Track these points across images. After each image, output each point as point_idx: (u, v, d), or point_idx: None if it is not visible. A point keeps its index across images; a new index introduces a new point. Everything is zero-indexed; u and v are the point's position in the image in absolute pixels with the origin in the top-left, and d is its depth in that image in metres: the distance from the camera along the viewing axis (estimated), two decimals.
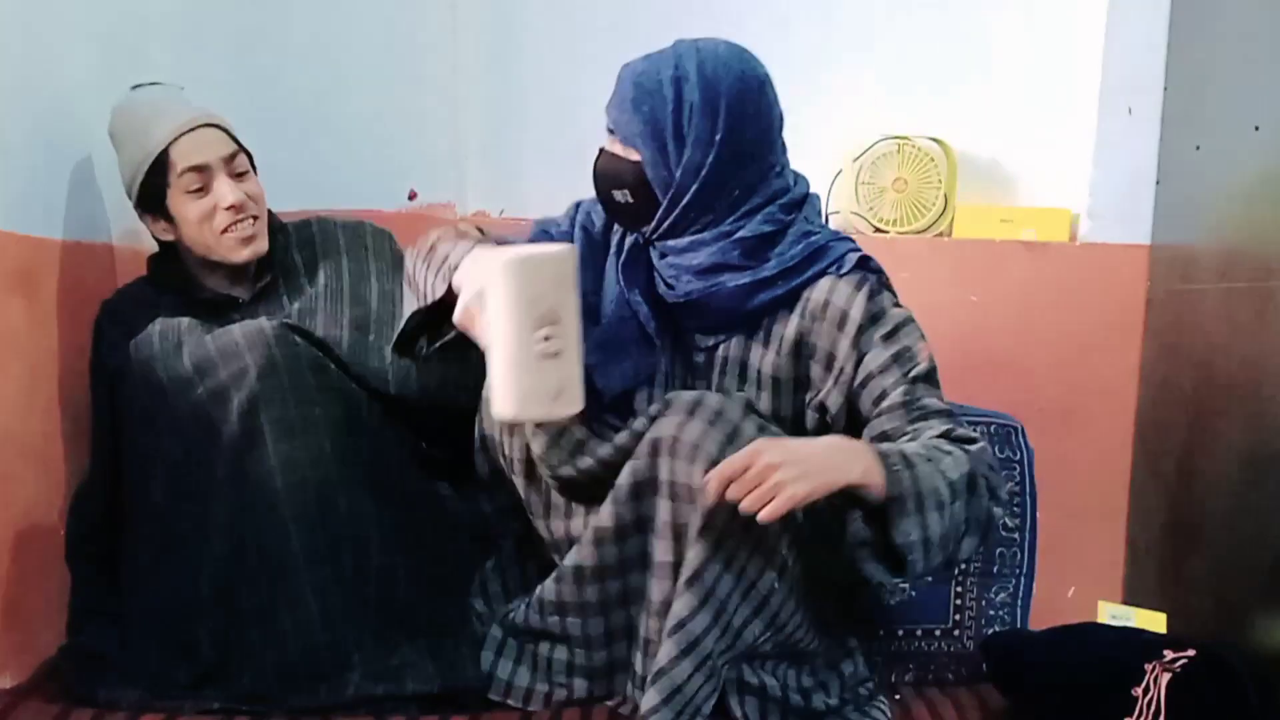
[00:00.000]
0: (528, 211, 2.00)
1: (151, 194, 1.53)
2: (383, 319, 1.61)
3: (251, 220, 1.57)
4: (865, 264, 1.39)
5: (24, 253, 1.43)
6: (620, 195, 1.40)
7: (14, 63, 1.43)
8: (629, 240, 1.45)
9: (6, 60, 1.41)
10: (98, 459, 1.52)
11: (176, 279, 1.60)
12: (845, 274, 1.37)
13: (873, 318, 1.35)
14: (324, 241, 1.68)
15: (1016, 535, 1.62)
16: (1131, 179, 1.95)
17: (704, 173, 1.35)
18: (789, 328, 1.39)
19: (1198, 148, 1.81)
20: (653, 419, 1.30)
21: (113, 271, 1.68)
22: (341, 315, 1.61)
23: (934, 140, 1.98)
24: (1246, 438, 1.61)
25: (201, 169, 1.52)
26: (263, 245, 1.59)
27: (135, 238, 1.79)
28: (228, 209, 1.54)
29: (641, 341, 1.41)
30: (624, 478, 1.29)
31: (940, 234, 1.99)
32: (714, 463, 1.20)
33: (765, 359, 1.40)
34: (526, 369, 1.14)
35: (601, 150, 1.43)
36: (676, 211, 1.37)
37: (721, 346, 1.42)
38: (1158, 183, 1.94)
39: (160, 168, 1.51)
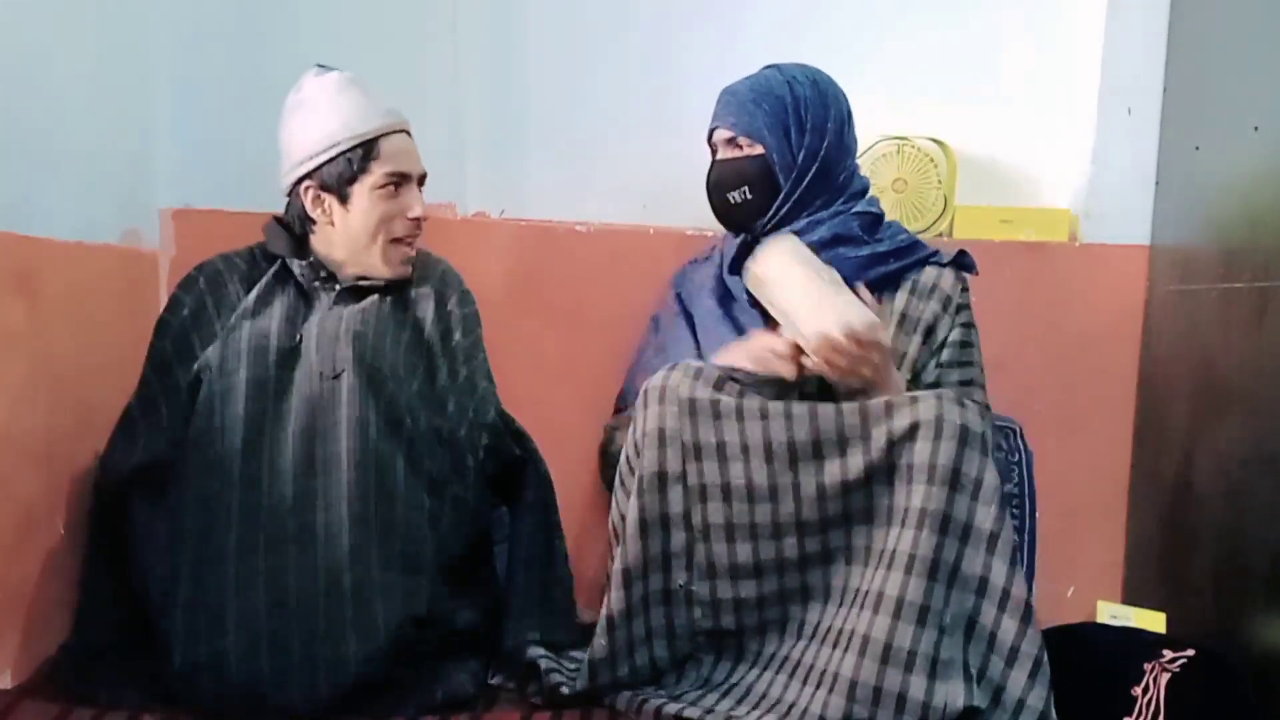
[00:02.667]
0: (528, 212, 2.00)
1: (340, 175, 1.51)
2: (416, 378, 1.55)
3: (416, 240, 1.58)
4: (962, 258, 1.61)
5: (24, 253, 1.43)
6: (737, 195, 1.59)
7: (14, 62, 1.43)
8: (730, 249, 1.61)
9: (6, 60, 1.41)
10: (144, 427, 1.47)
11: (297, 251, 1.57)
12: (946, 265, 1.60)
13: (960, 307, 1.59)
14: (422, 273, 1.63)
15: (1015, 535, 1.62)
16: (1131, 179, 1.95)
17: (821, 155, 1.57)
18: (896, 303, 1.57)
19: (1197, 148, 1.81)
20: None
21: (113, 272, 1.68)
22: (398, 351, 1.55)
23: (934, 141, 1.98)
24: (1245, 438, 1.61)
25: (404, 176, 1.53)
26: (410, 269, 1.59)
27: (135, 238, 1.79)
28: (412, 219, 1.55)
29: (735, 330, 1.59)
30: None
31: (940, 234, 1.99)
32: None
33: None
34: None
35: (714, 162, 1.63)
36: (799, 192, 1.56)
37: None
38: (1157, 183, 1.94)
39: (363, 154, 1.50)
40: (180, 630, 1.32)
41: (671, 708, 1.31)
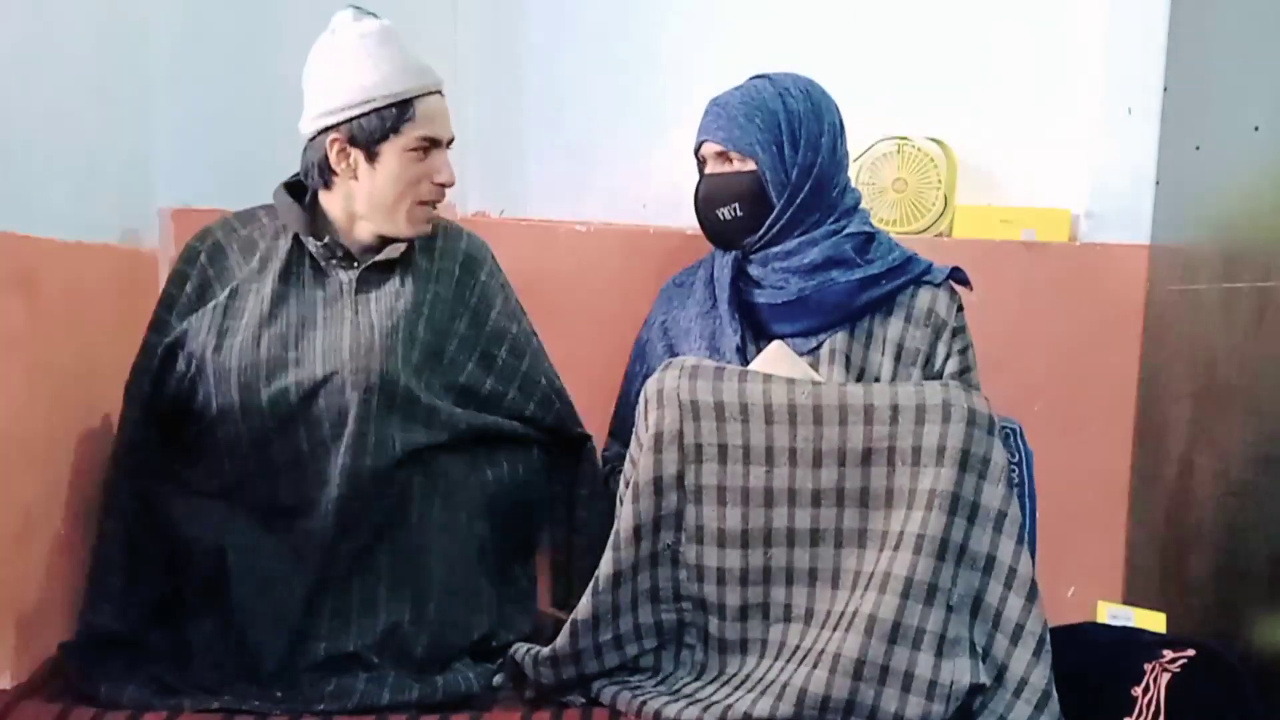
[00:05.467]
0: (528, 211, 2.00)
1: (372, 132, 1.46)
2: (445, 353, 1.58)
3: (440, 203, 1.55)
4: (957, 274, 1.59)
5: (23, 253, 1.43)
6: (727, 212, 1.55)
7: (14, 63, 1.43)
8: (722, 274, 1.57)
9: (6, 60, 1.41)
10: (139, 410, 1.50)
11: (310, 226, 1.52)
12: (940, 285, 1.57)
13: (955, 331, 1.57)
14: (445, 246, 1.61)
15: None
16: (1131, 179, 1.95)
17: (815, 171, 1.53)
18: (890, 330, 1.54)
19: (1197, 148, 1.81)
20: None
21: (112, 272, 1.68)
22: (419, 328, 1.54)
23: (934, 140, 1.98)
24: (1245, 438, 1.62)
25: (435, 141, 1.50)
26: (430, 228, 1.56)
27: (135, 238, 1.79)
28: (439, 184, 1.51)
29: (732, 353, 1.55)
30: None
31: (940, 234, 1.99)
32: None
33: (868, 358, 1.53)
34: None
35: (703, 176, 1.58)
36: (792, 210, 1.52)
37: (826, 343, 1.53)
38: (1157, 183, 1.94)
39: (398, 114, 1.46)
40: None
41: (671, 709, 1.30)
